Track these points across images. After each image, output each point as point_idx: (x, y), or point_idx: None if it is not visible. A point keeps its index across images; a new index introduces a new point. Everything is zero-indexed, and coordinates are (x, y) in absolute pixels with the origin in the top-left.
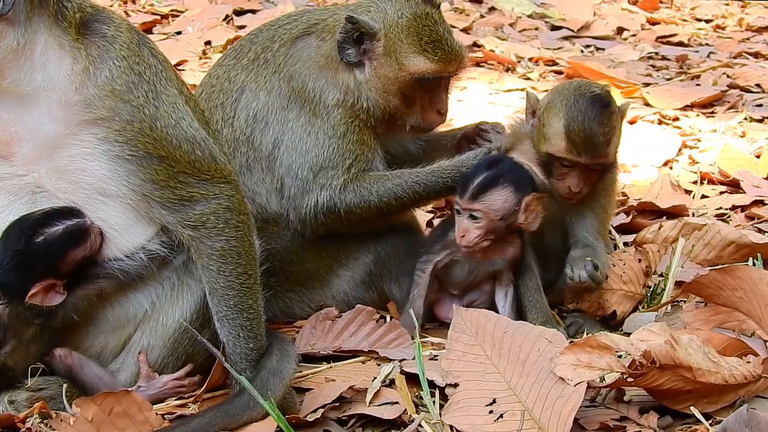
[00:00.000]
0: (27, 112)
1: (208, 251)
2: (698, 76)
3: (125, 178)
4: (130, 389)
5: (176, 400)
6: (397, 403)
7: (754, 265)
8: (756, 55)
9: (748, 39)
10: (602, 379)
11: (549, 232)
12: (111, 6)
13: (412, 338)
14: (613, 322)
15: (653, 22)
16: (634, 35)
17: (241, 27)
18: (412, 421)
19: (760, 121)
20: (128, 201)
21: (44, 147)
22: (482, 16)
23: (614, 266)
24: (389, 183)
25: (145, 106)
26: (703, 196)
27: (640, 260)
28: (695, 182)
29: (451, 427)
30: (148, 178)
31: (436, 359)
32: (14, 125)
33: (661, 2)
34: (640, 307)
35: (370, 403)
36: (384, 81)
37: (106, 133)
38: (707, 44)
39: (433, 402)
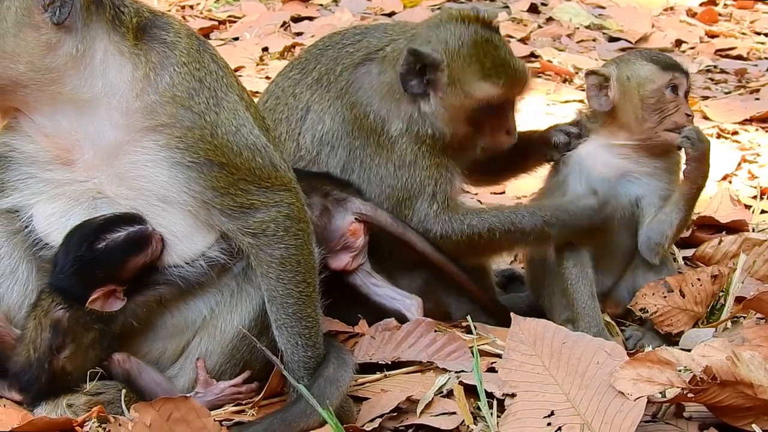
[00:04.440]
0: (88, 119)
1: (267, 259)
2: (757, 90)
3: (186, 185)
4: (188, 395)
5: (234, 406)
6: (454, 413)
7: None
8: None
9: None
10: (663, 394)
11: (619, 232)
12: (168, 11)
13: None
14: (674, 338)
15: (712, 35)
16: (692, 48)
17: (299, 33)
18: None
19: None
20: (189, 208)
21: (105, 154)
22: (540, 27)
23: (692, 286)
24: (484, 215)
25: (206, 113)
26: (763, 211)
27: (714, 281)
28: (755, 197)
29: None
30: (208, 185)
31: (495, 371)
32: (75, 133)
33: (720, 15)
34: (699, 323)
35: (427, 413)
36: (451, 111)
37: (167, 140)
38: (767, 58)
39: (491, 413)
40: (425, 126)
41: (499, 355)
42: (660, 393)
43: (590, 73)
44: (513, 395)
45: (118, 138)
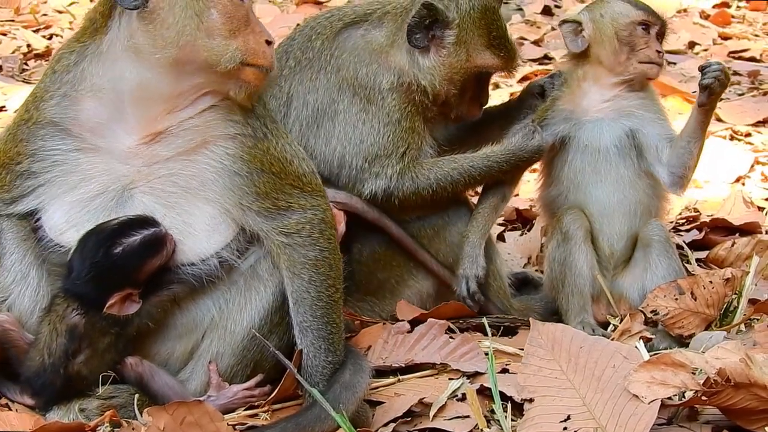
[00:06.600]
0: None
1: (301, 260)
2: None
3: (231, 189)
4: (201, 399)
5: (247, 409)
6: (468, 417)
7: None
8: None
9: None
10: (680, 396)
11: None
12: None
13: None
14: (684, 340)
15: (725, 37)
16: (705, 50)
17: None
18: None
19: None
20: (223, 208)
21: (177, 146)
22: (553, 29)
23: (704, 288)
24: (446, 167)
25: (274, 127)
26: None
27: (726, 283)
28: None
29: None
30: (252, 191)
31: (508, 372)
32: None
33: (733, 17)
34: (712, 326)
35: (441, 417)
36: (449, 69)
37: (236, 150)
38: None
39: (505, 416)
40: (418, 79)
41: (513, 355)
42: (677, 396)
43: (563, 22)
44: (531, 400)
45: (197, 138)
